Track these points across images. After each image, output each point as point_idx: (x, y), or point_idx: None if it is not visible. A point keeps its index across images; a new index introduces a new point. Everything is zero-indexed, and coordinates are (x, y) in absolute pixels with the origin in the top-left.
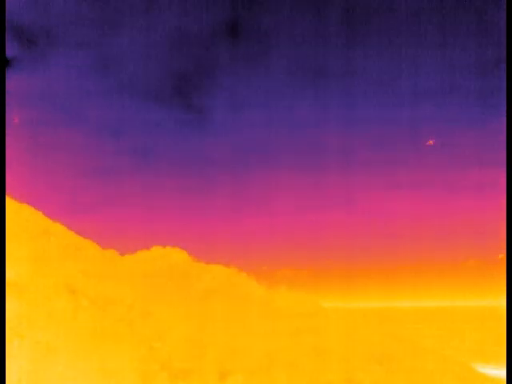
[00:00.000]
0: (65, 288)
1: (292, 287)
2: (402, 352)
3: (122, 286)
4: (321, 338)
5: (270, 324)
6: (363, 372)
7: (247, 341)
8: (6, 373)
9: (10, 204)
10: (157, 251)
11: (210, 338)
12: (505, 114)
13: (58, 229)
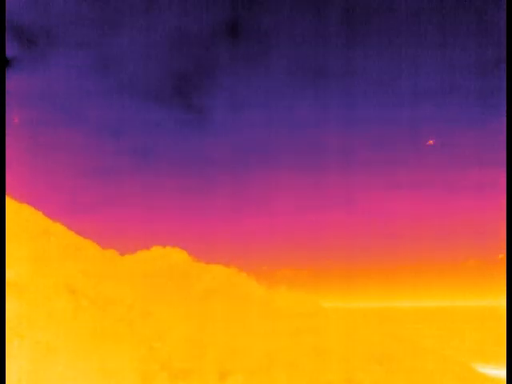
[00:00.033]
0: (65, 288)
1: (292, 287)
2: (402, 352)
3: (122, 286)
4: (321, 338)
5: (269, 324)
6: (363, 372)
7: (247, 341)
8: (5, 373)
9: (10, 204)
10: (157, 251)
11: (210, 338)
12: (505, 113)
13: (58, 229)
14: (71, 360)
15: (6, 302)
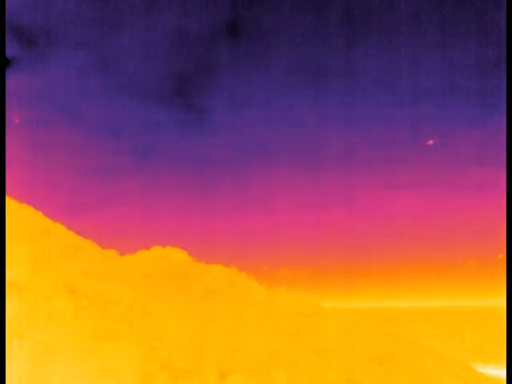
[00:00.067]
0: (65, 288)
1: (292, 287)
2: (402, 352)
3: (122, 286)
4: (321, 338)
5: (269, 324)
6: (363, 372)
7: (247, 341)
8: (6, 373)
9: (10, 204)
10: (157, 251)
11: (210, 338)
12: (505, 113)
13: (58, 229)
14: (71, 360)
15: (6, 301)
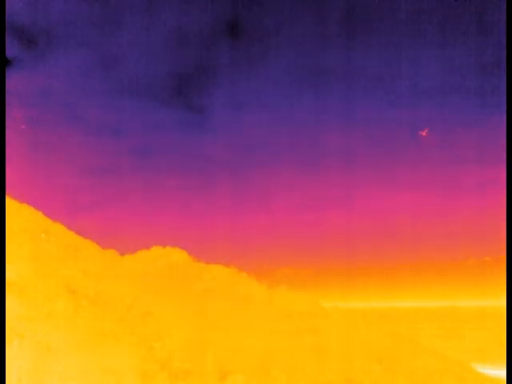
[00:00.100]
0: (65, 288)
1: (292, 287)
2: (402, 352)
3: (122, 286)
4: (321, 338)
5: (269, 324)
6: (363, 372)
7: (247, 341)
8: (6, 373)
9: (10, 204)
10: (157, 251)
11: (210, 338)
12: (505, 113)
13: (58, 229)
14: (71, 360)
15: (6, 302)
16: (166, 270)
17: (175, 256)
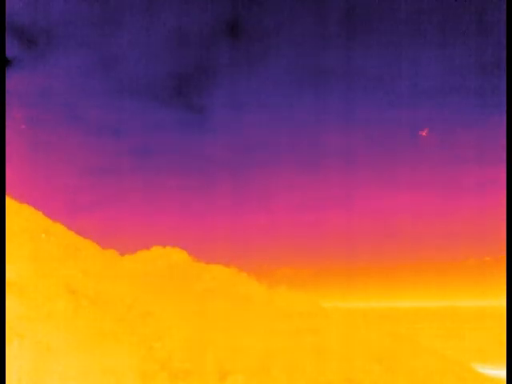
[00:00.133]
0: (65, 288)
1: (292, 287)
2: (402, 352)
3: (122, 286)
4: (321, 338)
5: (269, 324)
6: (363, 372)
7: (247, 341)
8: (6, 373)
9: (10, 204)
10: (157, 251)
11: (210, 338)
12: (505, 113)
13: (58, 229)
14: (71, 360)
15: (6, 302)
16: (166, 270)
17: (175, 256)
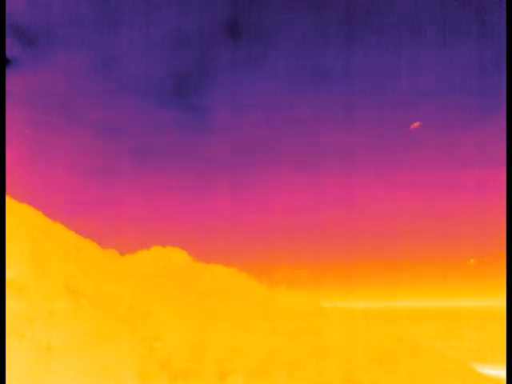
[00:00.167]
0: (65, 288)
1: (292, 287)
2: (402, 352)
3: (122, 286)
4: (321, 338)
5: (269, 324)
6: (363, 372)
7: (247, 341)
8: (6, 373)
9: (10, 204)
10: (157, 251)
11: (210, 338)
12: (505, 113)
13: (58, 229)
14: (71, 360)
15: (6, 301)
16: (165, 270)
17: (175, 256)
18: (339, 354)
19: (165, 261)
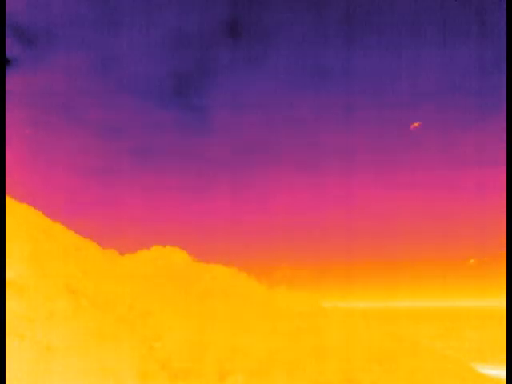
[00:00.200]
0: (65, 288)
1: (292, 287)
2: (402, 352)
3: (122, 286)
4: (321, 338)
5: (269, 324)
6: (363, 372)
7: (247, 341)
8: (6, 373)
9: (10, 204)
10: (157, 251)
11: (210, 338)
12: (505, 113)
13: (58, 229)
14: (71, 360)
15: (6, 301)
16: (165, 270)
17: (175, 256)
18: (339, 354)
19: (165, 261)
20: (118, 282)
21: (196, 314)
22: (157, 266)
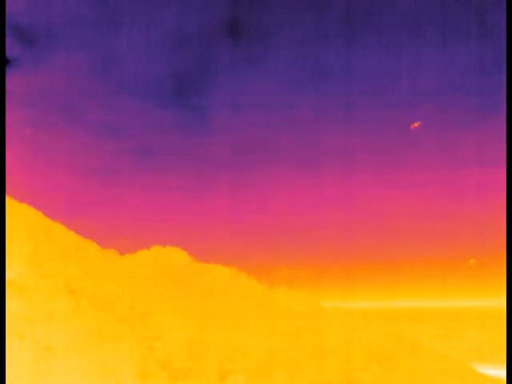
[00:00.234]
0: (65, 288)
1: (292, 287)
2: (402, 352)
3: (122, 286)
4: (321, 338)
5: (269, 324)
6: (363, 372)
7: (247, 341)
8: (6, 373)
9: (10, 204)
10: (157, 251)
11: (210, 338)
12: (504, 113)
13: (58, 229)
14: (71, 360)
15: (6, 302)
16: (165, 270)
17: (175, 256)
18: (339, 354)
19: (165, 261)
20: (118, 282)
21: (196, 314)
22: (157, 266)
